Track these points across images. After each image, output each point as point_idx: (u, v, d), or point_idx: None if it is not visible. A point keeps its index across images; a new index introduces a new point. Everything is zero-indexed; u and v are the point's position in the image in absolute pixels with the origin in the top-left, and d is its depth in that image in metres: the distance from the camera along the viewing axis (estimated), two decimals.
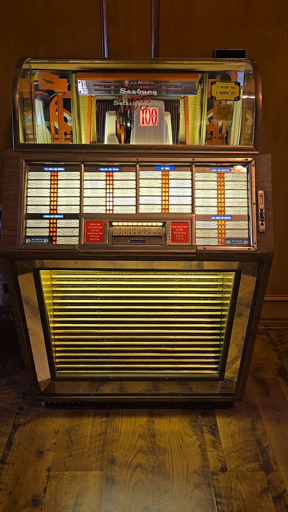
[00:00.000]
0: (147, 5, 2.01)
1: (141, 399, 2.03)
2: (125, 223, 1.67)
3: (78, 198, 1.68)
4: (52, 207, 1.68)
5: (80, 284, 1.91)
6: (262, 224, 1.66)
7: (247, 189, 1.68)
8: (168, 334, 1.97)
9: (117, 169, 1.69)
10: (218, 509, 1.66)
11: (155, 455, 1.87)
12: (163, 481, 1.76)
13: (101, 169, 1.69)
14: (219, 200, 1.69)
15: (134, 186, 1.69)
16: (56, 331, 1.96)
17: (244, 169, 1.69)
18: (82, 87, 1.87)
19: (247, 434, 1.97)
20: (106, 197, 1.68)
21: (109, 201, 1.68)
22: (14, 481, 1.77)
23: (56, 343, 1.98)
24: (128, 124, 1.84)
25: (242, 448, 1.91)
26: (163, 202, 1.68)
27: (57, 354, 1.99)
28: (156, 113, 1.80)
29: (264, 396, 2.18)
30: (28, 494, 1.72)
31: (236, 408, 2.10)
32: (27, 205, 1.68)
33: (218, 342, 1.99)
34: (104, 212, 1.68)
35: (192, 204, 1.68)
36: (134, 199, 1.68)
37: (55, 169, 1.69)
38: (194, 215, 1.67)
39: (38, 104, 1.91)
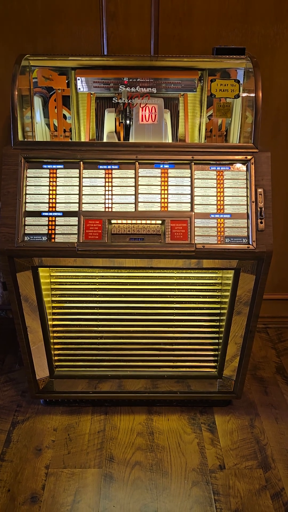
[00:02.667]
0: (146, 1, 2.00)
1: (140, 397, 2.03)
2: (124, 221, 1.67)
3: (77, 196, 1.68)
4: (51, 205, 1.67)
5: (79, 282, 1.91)
6: (261, 223, 1.66)
7: (247, 187, 1.68)
8: (167, 332, 1.97)
9: (116, 167, 1.69)
10: (216, 506, 1.66)
11: (154, 453, 1.87)
12: (162, 479, 1.77)
13: (100, 166, 1.69)
14: (219, 198, 1.68)
15: (133, 184, 1.68)
16: (54, 328, 1.96)
17: (244, 167, 1.69)
18: (81, 84, 1.87)
19: (245, 432, 1.97)
20: (105, 194, 1.68)
21: (108, 199, 1.68)
22: (12, 478, 1.77)
23: (55, 340, 1.98)
24: (128, 122, 1.84)
25: (240, 446, 1.91)
26: (162, 200, 1.68)
27: (56, 352, 1.99)
28: (155, 111, 1.79)
29: (262, 394, 2.18)
30: (26, 491, 1.72)
31: (234, 406, 2.10)
32: (26, 202, 1.67)
33: (217, 340, 1.99)
34: (103, 210, 1.67)
35: (191, 202, 1.68)
36: (133, 197, 1.68)
37: (54, 166, 1.68)
38: (193, 213, 1.67)
39: (37, 101, 1.90)
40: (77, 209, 1.67)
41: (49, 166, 1.68)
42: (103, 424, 1.99)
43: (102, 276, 1.90)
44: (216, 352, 2.00)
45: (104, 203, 1.67)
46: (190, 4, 2.00)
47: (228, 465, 1.83)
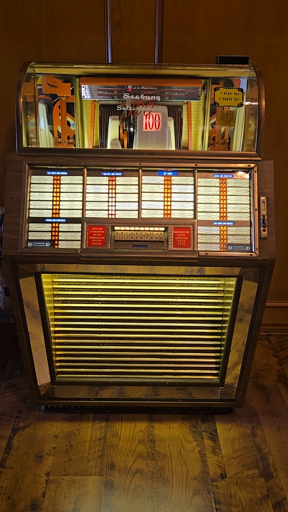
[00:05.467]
0: (151, 10, 2.02)
1: (141, 404, 2.03)
2: (127, 228, 1.67)
3: (81, 203, 1.68)
4: (54, 211, 1.68)
5: (81, 288, 1.91)
6: (264, 230, 1.66)
7: (250, 195, 1.69)
8: (169, 339, 1.97)
9: (119, 174, 1.69)
10: None
11: (155, 461, 1.86)
12: (163, 487, 1.76)
13: (104, 173, 1.69)
14: (221, 205, 1.69)
15: (137, 191, 1.69)
16: (56, 334, 1.96)
17: (247, 175, 1.69)
18: (85, 91, 1.88)
19: (247, 441, 1.96)
20: (108, 201, 1.68)
21: (112, 206, 1.68)
22: (13, 485, 1.76)
23: (57, 347, 1.97)
24: (131, 129, 1.85)
25: (242, 454, 1.90)
26: (166, 207, 1.68)
27: (57, 358, 1.99)
28: (159, 119, 1.80)
29: (264, 402, 2.17)
30: (26, 498, 1.71)
31: (236, 414, 2.09)
32: (29, 208, 1.68)
33: (218, 348, 1.98)
34: (106, 216, 1.68)
35: (194, 210, 1.68)
36: (137, 204, 1.68)
37: (58, 173, 1.69)
38: (196, 220, 1.67)
39: (42, 108, 1.91)
40: (80, 216, 1.68)
41: (53, 173, 1.69)
42: (104, 431, 1.99)
43: (105, 282, 1.90)
44: (218, 360, 2.00)
45: (108, 210, 1.68)
46: (194, 13, 2.02)
47: (230, 474, 1.82)
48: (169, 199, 1.69)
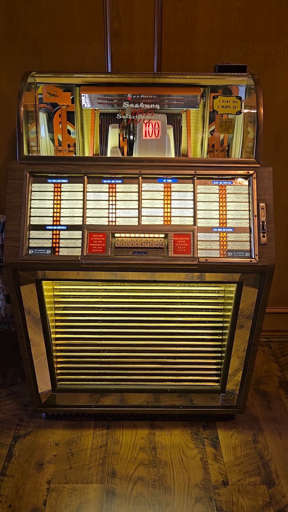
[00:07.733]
0: (150, 20, 2.04)
1: (142, 411, 2.02)
2: (127, 235, 1.69)
3: (81, 210, 1.69)
4: (55, 219, 1.69)
5: (82, 295, 1.92)
6: (263, 237, 1.67)
7: (249, 202, 1.70)
8: (170, 345, 1.97)
9: (120, 181, 1.71)
10: None
11: (156, 468, 1.85)
12: (164, 495, 1.75)
13: (104, 181, 1.71)
14: (221, 212, 1.70)
15: (137, 198, 1.70)
16: (57, 342, 1.96)
17: (246, 182, 1.71)
18: (85, 100, 1.90)
19: (248, 447, 1.96)
20: (108, 208, 1.70)
21: (112, 213, 1.69)
22: (14, 493, 1.75)
23: (57, 354, 1.97)
24: (131, 137, 1.86)
25: (243, 461, 1.89)
26: (165, 214, 1.69)
27: (58, 365, 1.99)
28: (158, 126, 1.82)
29: (265, 409, 2.16)
30: (28, 507, 1.70)
31: (237, 420, 2.08)
32: (30, 216, 1.69)
33: (219, 354, 1.98)
34: (106, 223, 1.69)
35: (194, 216, 1.69)
36: (137, 211, 1.70)
37: (59, 181, 1.71)
38: (196, 227, 1.68)
39: (42, 117, 1.93)
40: (81, 223, 1.69)
41: (53, 181, 1.71)
42: (105, 439, 1.98)
43: (105, 289, 1.91)
44: (219, 366, 1.99)
45: (108, 217, 1.69)
46: (193, 23, 2.04)
47: (232, 481, 1.81)
48: (169, 206, 1.70)
